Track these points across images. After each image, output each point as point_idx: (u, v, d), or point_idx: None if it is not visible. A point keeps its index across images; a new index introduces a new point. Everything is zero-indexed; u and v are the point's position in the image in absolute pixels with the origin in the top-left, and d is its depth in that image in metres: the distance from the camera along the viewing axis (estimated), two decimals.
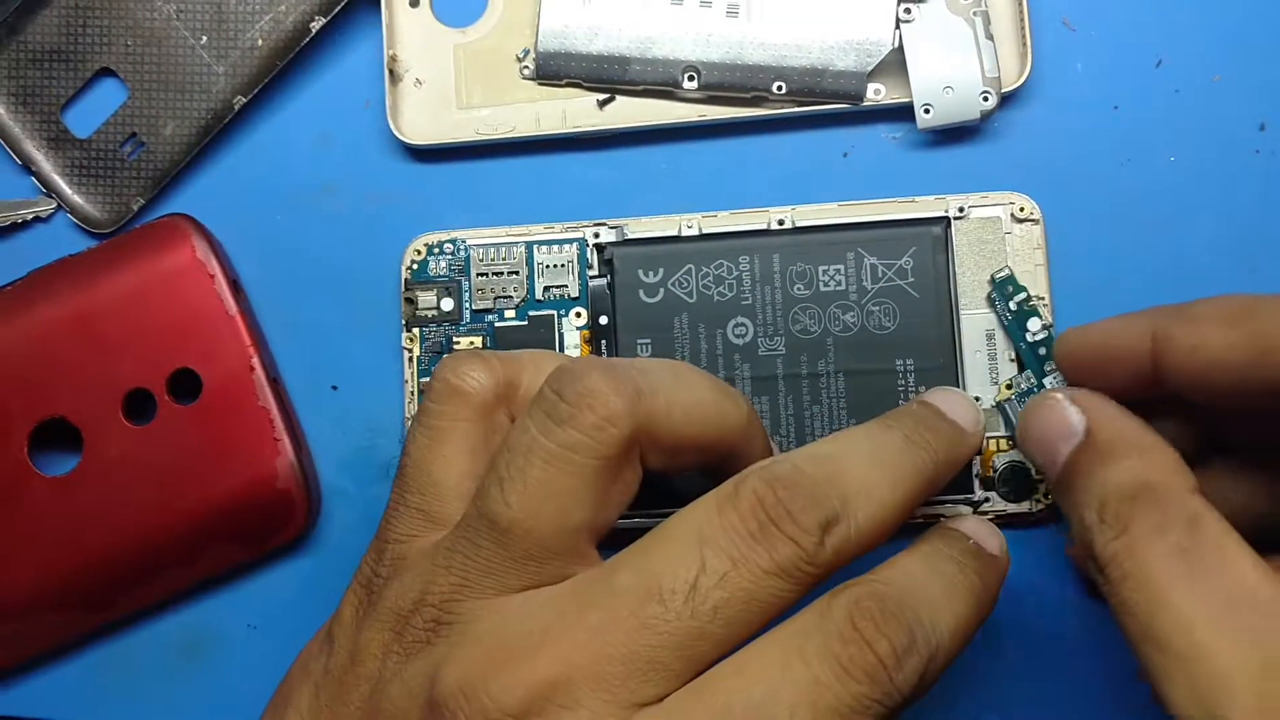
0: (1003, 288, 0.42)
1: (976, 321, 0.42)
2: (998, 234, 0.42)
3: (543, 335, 0.43)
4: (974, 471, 0.41)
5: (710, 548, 0.29)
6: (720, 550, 0.29)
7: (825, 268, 0.42)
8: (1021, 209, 0.42)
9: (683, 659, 0.29)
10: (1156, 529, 0.30)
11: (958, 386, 0.41)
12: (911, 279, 0.42)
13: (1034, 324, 0.42)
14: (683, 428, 0.32)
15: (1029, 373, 0.42)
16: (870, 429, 0.34)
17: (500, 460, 0.31)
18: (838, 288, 0.42)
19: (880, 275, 0.42)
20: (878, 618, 0.29)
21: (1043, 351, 0.42)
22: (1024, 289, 0.42)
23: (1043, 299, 0.42)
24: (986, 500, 0.41)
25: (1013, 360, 0.42)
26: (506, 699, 0.28)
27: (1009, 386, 0.42)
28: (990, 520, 0.37)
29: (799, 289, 0.42)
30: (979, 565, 0.33)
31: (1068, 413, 0.34)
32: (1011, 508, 0.42)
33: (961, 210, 0.43)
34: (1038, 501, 0.42)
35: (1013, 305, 0.42)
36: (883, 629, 0.29)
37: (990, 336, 0.42)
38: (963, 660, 0.42)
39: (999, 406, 0.42)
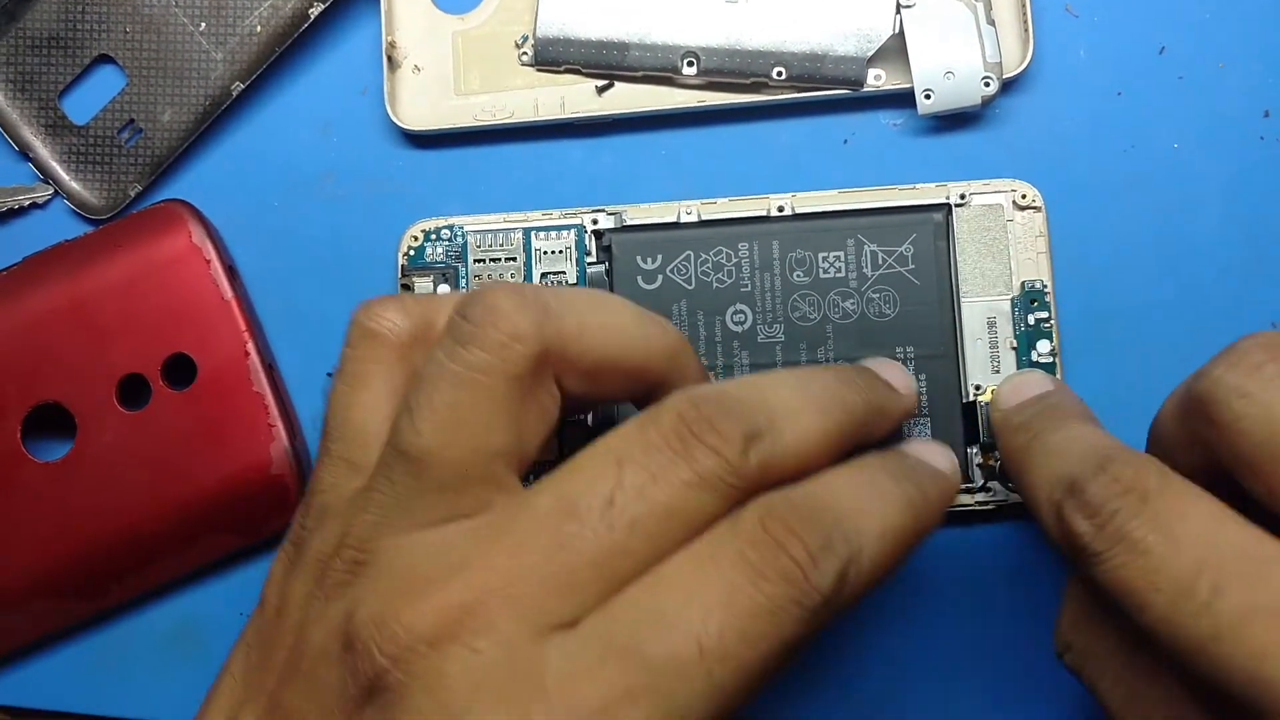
0: (1029, 298, 0.42)
1: (977, 309, 0.42)
2: (999, 221, 0.42)
3: None
4: (975, 461, 0.41)
5: (629, 464, 0.28)
6: (639, 465, 0.28)
7: (825, 254, 0.42)
8: (1023, 196, 0.42)
9: (601, 577, 0.28)
10: (1097, 656, 0.32)
11: (958, 374, 0.41)
12: (912, 266, 0.42)
13: (1044, 345, 0.41)
14: (597, 349, 0.31)
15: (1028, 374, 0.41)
16: (800, 368, 0.34)
17: (410, 391, 0.30)
18: (838, 275, 0.42)
19: (880, 262, 0.42)
20: (789, 520, 0.28)
21: None
22: (1048, 308, 0.42)
23: (1046, 288, 0.42)
24: (987, 490, 0.41)
25: (1014, 348, 0.41)
26: (418, 624, 0.27)
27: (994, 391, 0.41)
28: (941, 444, 0.36)
29: (798, 276, 0.42)
30: (919, 478, 0.32)
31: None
32: (1014, 498, 0.41)
33: (963, 197, 0.42)
34: None
35: (1031, 319, 0.42)
36: (795, 530, 0.28)
37: (991, 324, 0.42)
38: (961, 650, 0.42)
39: (977, 404, 0.41)
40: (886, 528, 0.30)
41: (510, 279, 0.43)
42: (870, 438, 0.34)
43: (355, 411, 0.33)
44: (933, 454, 0.34)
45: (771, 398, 0.30)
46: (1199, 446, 0.30)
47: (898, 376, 0.36)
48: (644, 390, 0.34)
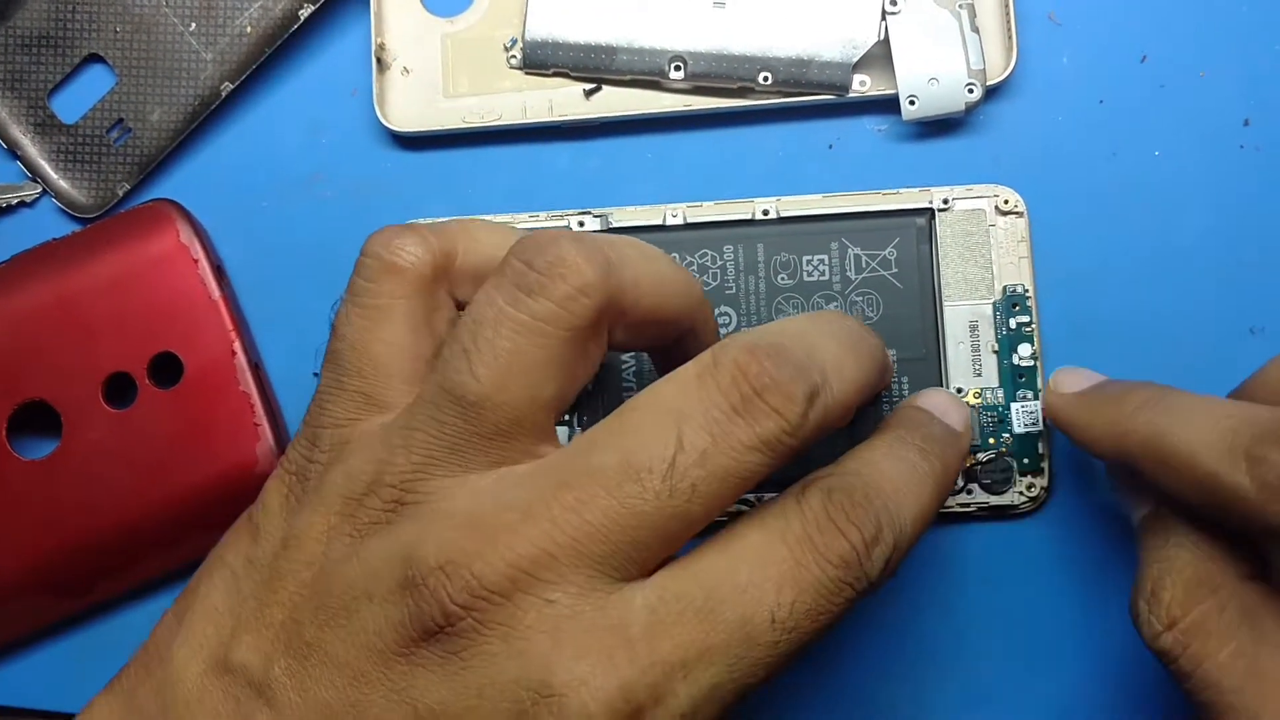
0: (1011, 302, 0.42)
1: (960, 313, 0.42)
2: (982, 226, 0.42)
3: None
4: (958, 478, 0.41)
5: (689, 423, 0.28)
6: (699, 426, 0.28)
7: (809, 258, 0.42)
8: (1006, 202, 0.42)
9: (660, 538, 0.28)
10: (1212, 633, 0.31)
11: (940, 377, 0.41)
12: (895, 270, 0.42)
13: (1025, 349, 0.42)
14: (648, 300, 0.32)
15: (1000, 390, 0.42)
16: (828, 314, 0.34)
17: (463, 333, 0.30)
18: (821, 278, 0.42)
19: (864, 266, 0.42)
20: (849, 508, 0.29)
21: (1021, 378, 0.42)
22: (1030, 312, 0.42)
23: (1027, 292, 0.42)
24: (969, 491, 0.41)
25: (995, 352, 0.42)
26: (491, 575, 0.27)
27: (976, 395, 0.42)
28: (954, 395, 0.37)
29: (783, 279, 0.42)
30: (941, 449, 0.33)
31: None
32: (994, 500, 0.41)
33: (946, 202, 0.42)
34: (1020, 494, 0.41)
35: (1012, 323, 0.42)
36: (853, 519, 0.29)
37: (973, 328, 0.42)
38: (946, 651, 0.42)
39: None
40: (921, 511, 0.31)
41: None
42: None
43: (376, 346, 0.32)
44: (949, 410, 0.35)
45: (820, 348, 0.31)
46: None
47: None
48: (673, 339, 0.35)
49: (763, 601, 0.28)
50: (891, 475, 0.31)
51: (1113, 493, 0.38)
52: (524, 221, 0.44)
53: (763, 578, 0.28)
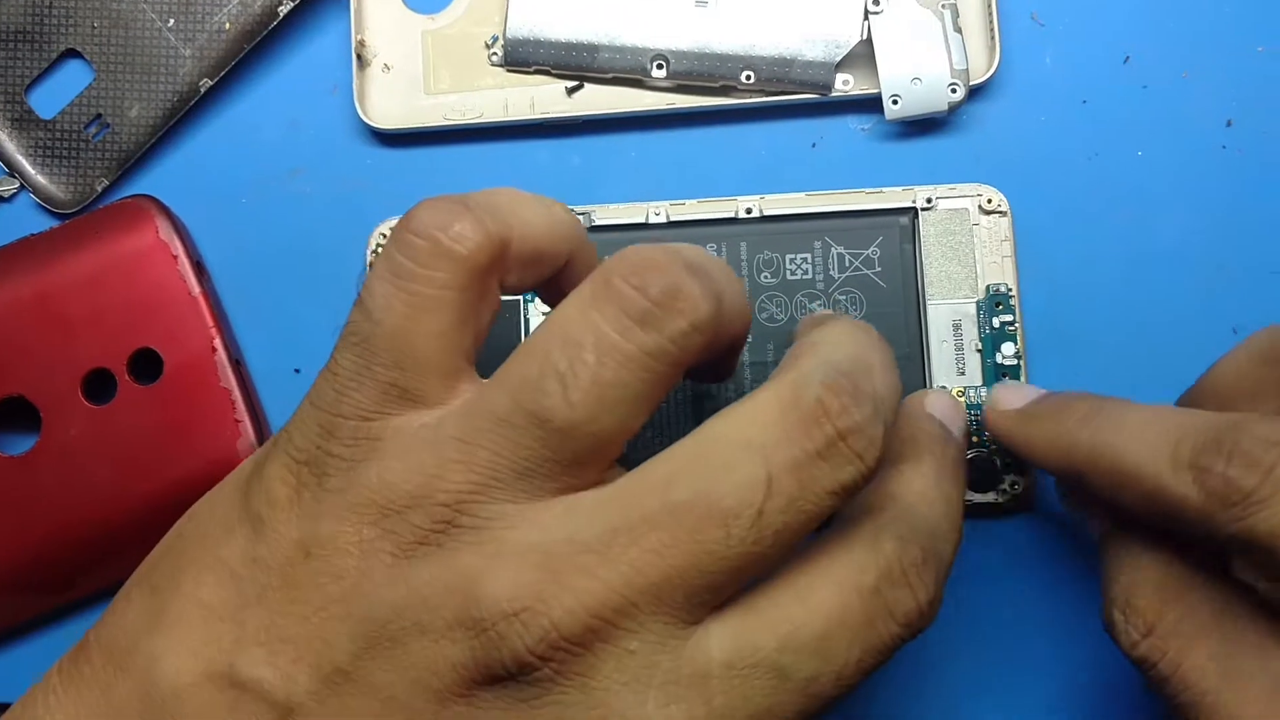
0: (994, 301, 0.42)
1: (943, 312, 0.42)
2: (965, 225, 0.42)
3: (508, 321, 0.43)
4: None
5: (776, 465, 0.27)
6: (786, 469, 0.27)
7: (792, 256, 0.42)
8: (989, 201, 0.42)
9: (736, 580, 0.28)
10: (1188, 635, 0.32)
11: (924, 376, 0.41)
12: (878, 269, 0.42)
13: (1008, 348, 0.42)
14: (737, 332, 0.31)
15: (984, 389, 0.42)
16: (866, 330, 0.32)
17: (555, 354, 0.28)
18: (804, 276, 0.42)
19: (847, 264, 0.42)
20: (920, 565, 0.29)
21: (1005, 377, 0.42)
22: (1013, 311, 0.42)
23: (1010, 291, 0.42)
24: None
25: (979, 351, 0.42)
26: (570, 624, 0.26)
27: (960, 394, 0.42)
28: (955, 399, 0.37)
29: (766, 277, 0.42)
30: (959, 469, 0.34)
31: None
32: (977, 498, 0.41)
33: (929, 201, 0.42)
34: (1003, 493, 0.41)
35: (995, 322, 0.42)
36: (924, 577, 0.29)
37: (956, 327, 0.42)
38: (930, 651, 0.42)
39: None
40: (959, 533, 0.32)
41: None
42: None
43: (419, 339, 0.29)
44: (956, 420, 0.36)
45: (878, 380, 0.30)
46: None
47: None
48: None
49: (833, 659, 0.28)
50: (939, 512, 0.32)
51: (1066, 507, 0.38)
52: None
53: (837, 634, 0.28)
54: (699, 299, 0.28)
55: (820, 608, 0.28)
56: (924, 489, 0.32)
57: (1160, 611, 0.32)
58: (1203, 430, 0.30)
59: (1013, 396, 0.37)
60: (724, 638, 0.28)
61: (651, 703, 0.27)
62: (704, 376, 0.35)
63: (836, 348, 0.30)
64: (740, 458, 0.27)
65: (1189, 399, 0.36)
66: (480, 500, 0.27)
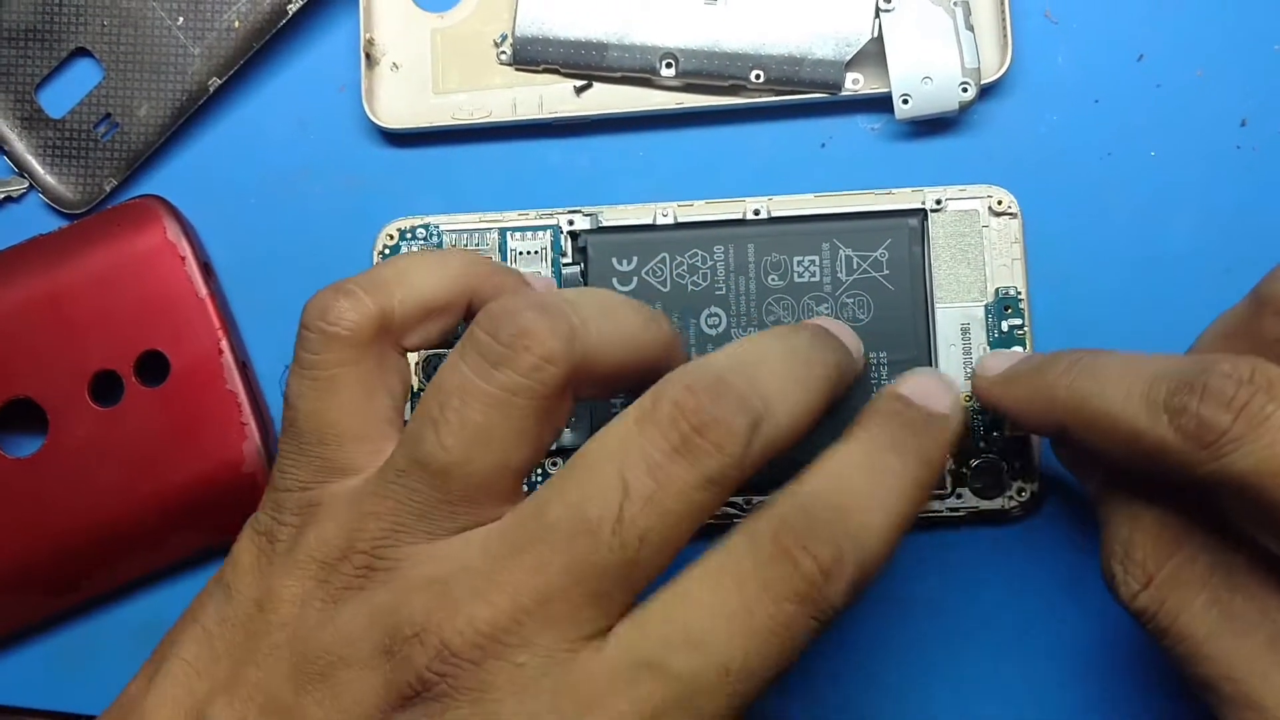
0: (1003, 304, 0.42)
1: (951, 315, 0.42)
2: (975, 227, 0.42)
3: None
4: (945, 468, 0.41)
5: (631, 470, 0.29)
6: (642, 471, 0.29)
7: (800, 259, 0.42)
8: (999, 202, 0.42)
9: (621, 586, 0.29)
10: (1186, 584, 0.31)
11: None
12: (887, 271, 0.42)
13: (1017, 352, 0.41)
14: (615, 359, 0.32)
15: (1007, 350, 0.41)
16: (778, 331, 0.34)
17: (430, 403, 0.30)
18: (812, 279, 0.42)
19: (855, 267, 0.42)
20: (804, 537, 0.29)
21: None
22: (1022, 315, 0.42)
23: (1020, 295, 0.42)
24: (958, 496, 0.41)
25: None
26: (459, 641, 0.28)
27: (967, 399, 0.41)
28: (940, 374, 0.35)
29: (773, 280, 0.42)
30: (920, 443, 0.32)
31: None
32: (984, 504, 0.41)
33: (939, 203, 0.42)
34: (1010, 499, 0.41)
35: (1004, 326, 0.42)
36: (810, 547, 0.28)
37: (965, 331, 0.42)
38: (936, 656, 0.42)
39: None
40: (891, 523, 0.30)
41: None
42: (836, 402, 0.34)
43: (331, 415, 0.33)
44: (932, 393, 0.34)
45: (763, 375, 0.31)
46: (1269, 354, 0.31)
47: (850, 339, 0.38)
48: (643, 384, 0.34)
49: (713, 652, 0.28)
50: (858, 486, 0.31)
51: (1063, 464, 0.37)
52: (513, 220, 0.44)
53: (713, 629, 0.28)
54: (545, 334, 0.30)
55: (694, 601, 0.29)
56: (836, 465, 0.31)
57: (1158, 561, 0.32)
58: (1176, 372, 0.30)
59: (998, 362, 0.37)
60: (609, 646, 0.29)
61: (545, 713, 0.28)
62: None
63: (722, 353, 0.32)
64: (598, 468, 0.29)
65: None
66: (391, 545, 0.30)
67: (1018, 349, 0.38)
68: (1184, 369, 0.30)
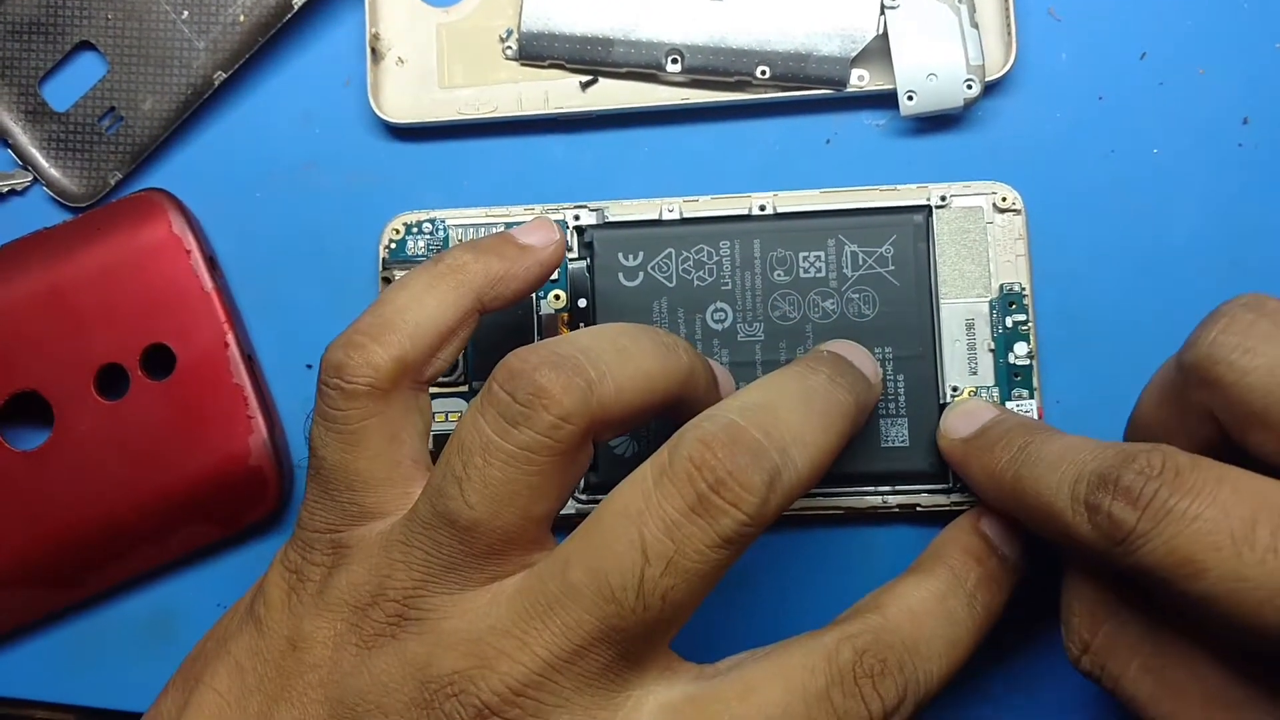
0: (1007, 300, 0.42)
1: (956, 311, 0.42)
2: (979, 223, 0.42)
3: (520, 318, 0.43)
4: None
5: (650, 530, 0.29)
6: (660, 533, 0.29)
7: (806, 254, 0.42)
8: (1004, 199, 0.42)
9: (650, 644, 0.30)
10: (1119, 650, 0.33)
11: (937, 376, 0.41)
12: (892, 267, 0.42)
13: (1021, 348, 0.42)
14: (634, 404, 0.32)
15: (996, 388, 0.42)
16: (796, 372, 0.34)
17: (454, 460, 0.31)
18: (818, 274, 0.42)
19: (861, 263, 0.42)
20: (877, 674, 0.30)
21: (1018, 376, 0.42)
22: (1026, 310, 0.42)
23: (1024, 291, 0.42)
24: (962, 490, 0.41)
25: (991, 350, 0.42)
26: (497, 701, 0.29)
27: (972, 393, 0.42)
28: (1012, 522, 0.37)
29: (779, 275, 0.42)
30: (989, 594, 0.34)
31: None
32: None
33: (944, 199, 0.42)
34: None
35: (1009, 321, 0.42)
36: (880, 688, 0.30)
37: (970, 326, 0.42)
38: None
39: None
40: (950, 668, 0.32)
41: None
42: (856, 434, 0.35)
43: (358, 464, 0.34)
44: (1005, 539, 0.36)
45: (780, 423, 0.31)
46: (1194, 421, 0.32)
47: (867, 363, 0.38)
48: (666, 413, 0.35)
49: None
50: (929, 630, 0.32)
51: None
52: (519, 214, 0.44)
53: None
54: (559, 394, 0.30)
55: (762, 704, 0.30)
56: (917, 603, 0.33)
57: (1092, 629, 0.34)
58: (1098, 468, 0.31)
59: (962, 423, 0.38)
60: (643, 707, 0.30)
61: None
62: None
63: (738, 397, 0.32)
64: (619, 529, 0.29)
65: (1126, 431, 0.37)
66: (422, 595, 0.31)
67: (982, 408, 0.39)
68: (1106, 464, 0.31)
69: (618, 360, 0.32)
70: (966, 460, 0.37)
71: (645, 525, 0.29)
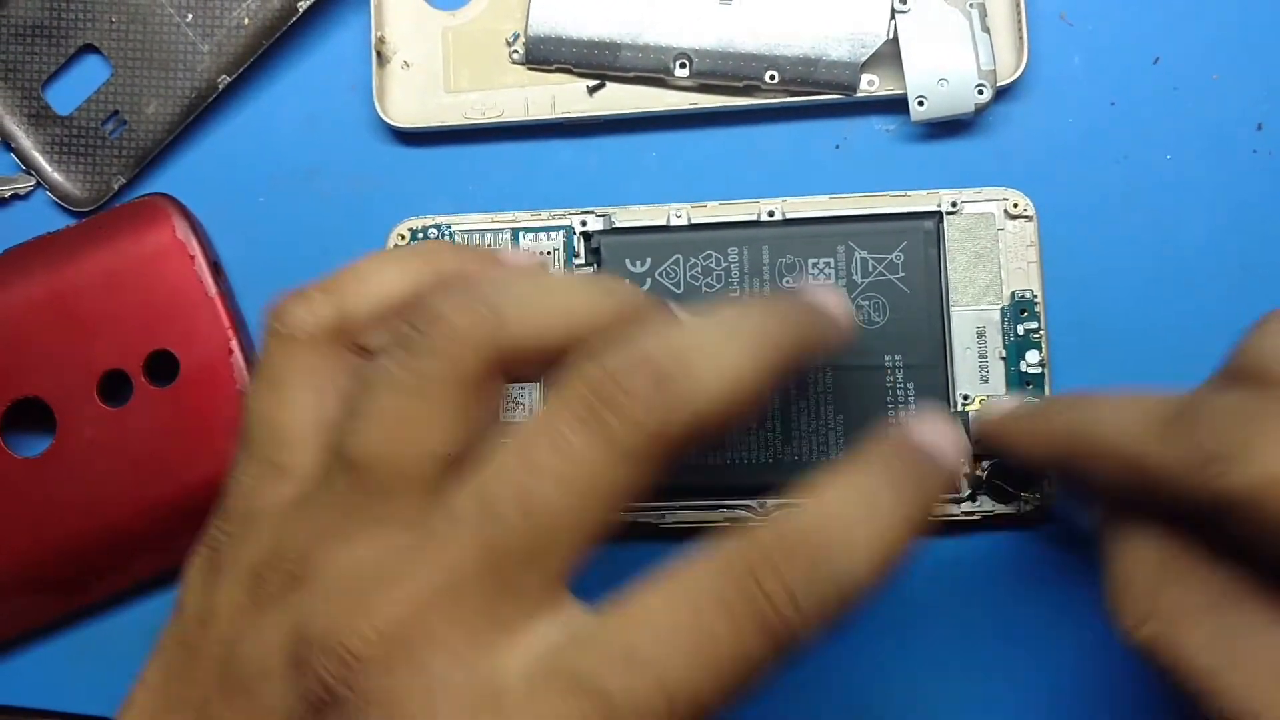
0: (1019, 308, 0.41)
1: (967, 318, 0.42)
2: (990, 230, 0.42)
3: None
4: (962, 472, 0.41)
5: (538, 449, 0.27)
6: (548, 450, 0.27)
7: (815, 261, 0.42)
8: (1015, 205, 0.42)
9: (536, 572, 0.27)
10: (1188, 615, 0.30)
11: (946, 384, 0.41)
12: (902, 274, 0.41)
13: (1033, 356, 0.41)
14: (548, 338, 0.30)
15: (1011, 395, 0.42)
16: (727, 304, 0.31)
17: (354, 398, 0.29)
18: (827, 281, 0.42)
19: (870, 269, 0.41)
20: (778, 562, 0.27)
21: (1029, 385, 0.41)
22: (1038, 318, 0.41)
23: (1035, 298, 0.41)
24: (974, 500, 0.41)
25: (1003, 359, 0.41)
26: (362, 646, 0.26)
27: (983, 402, 0.41)
28: (949, 419, 0.32)
29: (788, 282, 0.42)
30: (923, 488, 0.30)
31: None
32: (1000, 508, 0.41)
33: (954, 205, 0.42)
34: (1025, 502, 0.41)
35: (1020, 329, 0.41)
36: (783, 574, 0.26)
37: (981, 334, 0.41)
38: (949, 658, 0.42)
39: (965, 415, 0.41)
40: (877, 560, 0.28)
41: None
42: (807, 366, 0.33)
43: (280, 413, 0.32)
44: (941, 440, 0.31)
45: (689, 343, 0.28)
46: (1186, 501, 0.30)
47: (834, 302, 0.34)
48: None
49: (657, 679, 0.26)
50: (844, 514, 0.28)
51: (1066, 506, 0.38)
52: (525, 220, 0.43)
53: (660, 651, 0.26)
54: (456, 318, 0.29)
55: (645, 614, 0.26)
56: (833, 494, 0.29)
57: (1156, 595, 0.31)
58: (1173, 401, 0.30)
59: (999, 407, 0.39)
60: (528, 651, 0.27)
61: None
62: None
63: (650, 333, 0.29)
64: (508, 454, 0.27)
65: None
66: (313, 549, 0.28)
67: (1016, 396, 0.39)
68: (1181, 399, 0.30)
69: (535, 293, 0.30)
70: (1007, 427, 0.36)
71: (534, 445, 0.27)
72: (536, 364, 0.30)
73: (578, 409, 0.27)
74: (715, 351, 0.28)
